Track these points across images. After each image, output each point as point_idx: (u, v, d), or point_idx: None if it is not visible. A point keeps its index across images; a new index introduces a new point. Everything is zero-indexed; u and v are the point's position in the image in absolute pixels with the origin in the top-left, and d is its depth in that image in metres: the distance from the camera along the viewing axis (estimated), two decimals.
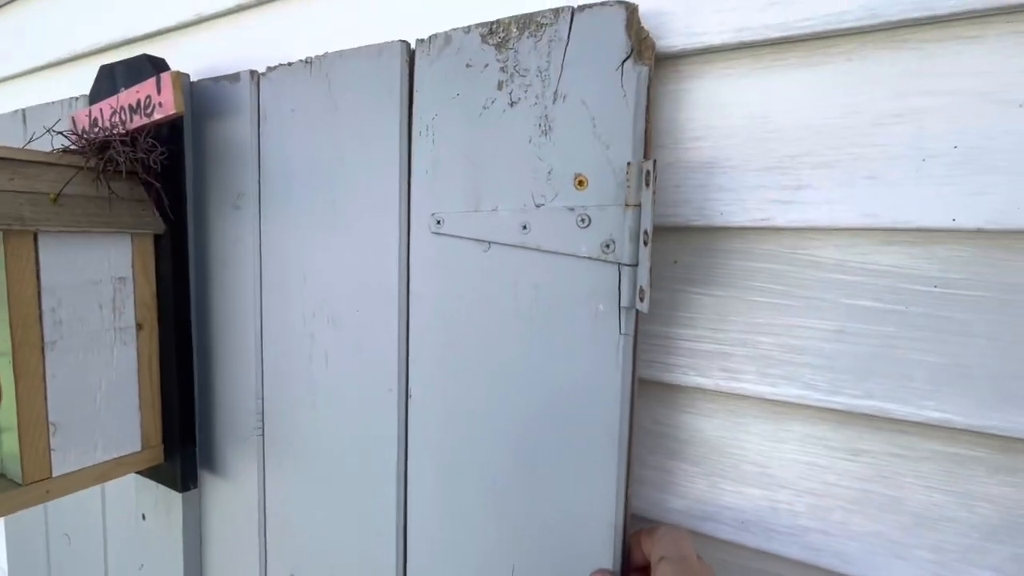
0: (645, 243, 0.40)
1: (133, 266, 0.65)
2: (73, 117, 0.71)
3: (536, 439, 0.48)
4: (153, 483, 0.75)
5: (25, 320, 0.56)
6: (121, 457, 0.65)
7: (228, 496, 0.71)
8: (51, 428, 0.59)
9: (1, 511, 0.57)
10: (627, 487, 0.45)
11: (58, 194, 0.58)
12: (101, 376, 0.63)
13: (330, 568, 0.62)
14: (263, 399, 0.66)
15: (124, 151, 0.60)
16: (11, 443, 0.58)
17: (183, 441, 0.69)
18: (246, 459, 0.68)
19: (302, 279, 0.61)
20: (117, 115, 0.65)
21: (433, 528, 0.54)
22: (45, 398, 0.58)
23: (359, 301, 0.57)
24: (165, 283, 0.66)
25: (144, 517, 0.78)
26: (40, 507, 1.02)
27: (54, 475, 0.59)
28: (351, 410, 0.59)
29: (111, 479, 0.65)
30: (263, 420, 0.67)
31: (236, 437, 0.69)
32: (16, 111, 0.91)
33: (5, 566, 1.23)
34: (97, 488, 0.89)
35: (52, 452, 0.59)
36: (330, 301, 0.59)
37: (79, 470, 0.61)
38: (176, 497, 0.73)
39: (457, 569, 0.53)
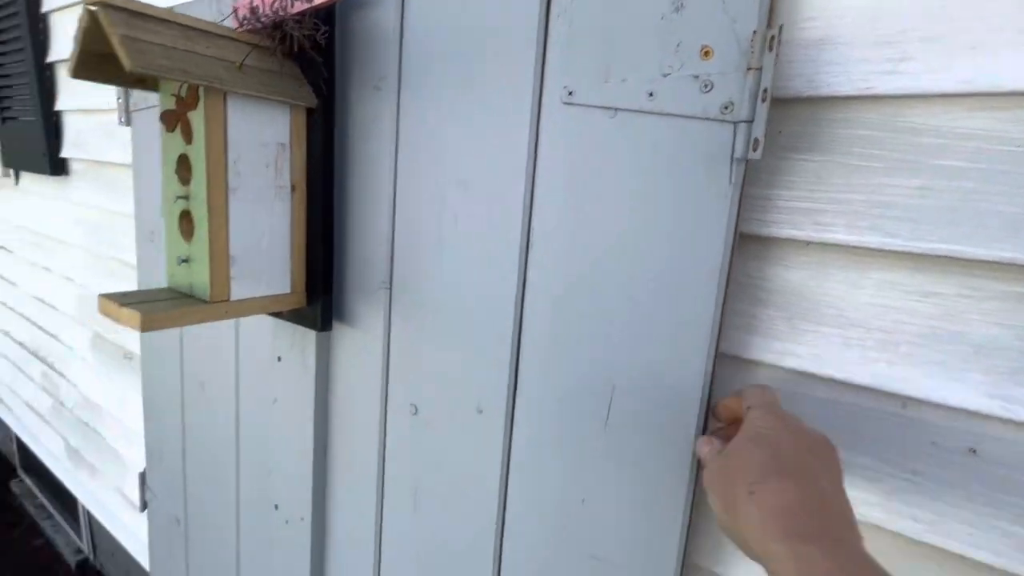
0: (763, 100, 0.48)
1: (291, 134, 0.76)
2: (235, 7, 0.81)
3: (643, 280, 0.57)
4: (290, 328, 0.89)
5: (217, 168, 0.69)
6: (275, 295, 0.79)
7: (356, 342, 0.84)
8: (231, 260, 0.72)
9: (193, 321, 0.71)
10: (719, 327, 0.54)
11: (242, 63, 0.69)
12: (264, 225, 0.75)
13: (447, 399, 0.74)
14: (393, 256, 0.78)
15: (297, 28, 0.70)
16: (201, 271, 0.71)
17: (322, 290, 0.81)
18: (374, 309, 0.81)
19: (437, 150, 0.71)
20: (278, 2, 0.75)
21: (543, 351, 0.65)
22: (228, 235, 0.71)
23: (490, 167, 0.66)
24: (314, 151, 0.77)
25: (279, 359, 0.93)
26: (176, 359, 1.19)
27: (231, 299, 0.73)
28: (476, 265, 0.69)
29: (267, 311, 0.78)
30: (391, 275, 0.78)
31: (366, 290, 0.81)
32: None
33: (141, 415, 1.44)
34: (231, 339, 1.04)
35: (231, 280, 0.72)
36: (462, 168, 0.69)
37: (247, 298, 0.75)
38: (311, 340, 0.86)
39: (564, 382, 0.63)
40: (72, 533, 2.54)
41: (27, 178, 1.90)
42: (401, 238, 0.76)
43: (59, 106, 1.61)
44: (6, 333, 2.34)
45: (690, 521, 0.59)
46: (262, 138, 0.73)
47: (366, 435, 0.85)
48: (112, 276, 1.59)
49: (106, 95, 1.43)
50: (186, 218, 0.72)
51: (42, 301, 1.99)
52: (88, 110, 1.52)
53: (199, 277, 0.71)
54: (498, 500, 0.71)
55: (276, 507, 0.98)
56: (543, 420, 0.66)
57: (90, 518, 2.38)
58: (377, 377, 0.82)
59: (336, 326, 0.86)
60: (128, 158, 1.41)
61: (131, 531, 1.80)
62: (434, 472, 0.78)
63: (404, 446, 0.81)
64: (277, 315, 0.88)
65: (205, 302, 0.71)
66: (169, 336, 1.20)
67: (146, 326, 0.65)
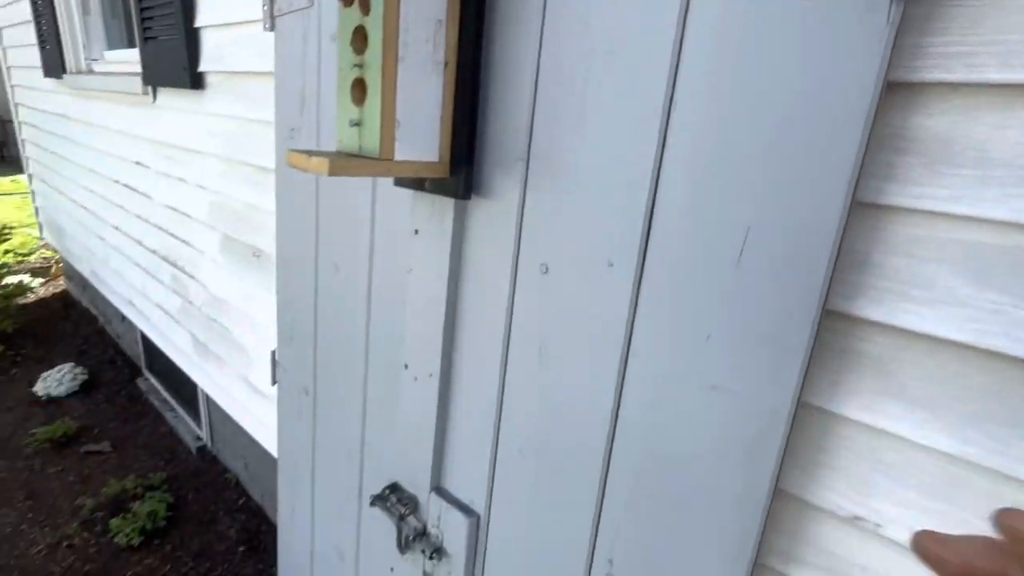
0: None
1: (447, 12, 0.84)
2: None
3: (786, 129, 0.62)
4: (428, 202, 1.00)
5: (391, 37, 0.78)
6: (426, 162, 0.88)
7: (490, 211, 0.93)
8: (396, 124, 0.82)
9: (364, 172, 0.82)
10: (858, 175, 0.59)
11: None
12: (422, 95, 0.85)
13: (578, 256, 0.83)
14: (532, 130, 0.85)
15: None
16: (371, 132, 0.81)
17: (465, 160, 0.91)
18: (510, 181, 0.89)
19: (582, 23, 0.77)
20: None
21: (679, 202, 0.71)
22: (395, 100, 0.81)
23: (637, 34, 0.72)
24: (467, 29, 0.85)
25: (416, 232, 1.04)
26: (312, 246, 1.34)
27: (394, 159, 0.83)
28: (616, 132, 0.76)
29: (418, 175, 0.89)
30: (529, 148, 0.86)
31: (503, 163, 0.90)
32: None
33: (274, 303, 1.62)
34: (367, 221, 1.16)
35: (395, 141, 0.83)
36: (608, 38, 0.75)
37: (405, 160, 0.85)
38: (448, 211, 0.97)
39: (698, 229, 0.70)
40: (192, 423, 2.89)
41: (164, 95, 2.10)
42: (542, 112, 0.84)
43: (199, 23, 1.77)
44: (139, 242, 2.63)
45: (811, 357, 0.65)
46: (426, 13, 0.81)
47: (495, 296, 0.95)
48: (246, 181, 1.76)
49: (244, 9, 1.56)
50: (358, 86, 0.82)
51: (175, 210, 2.23)
52: (226, 24, 1.66)
53: (369, 137, 0.82)
54: (622, 345, 0.80)
55: (406, 366, 1.12)
56: (673, 267, 0.73)
57: (209, 409, 2.69)
58: (509, 242, 0.91)
59: (472, 198, 0.95)
60: (264, 66, 1.54)
61: (253, 414, 2.04)
62: (560, 326, 0.87)
63: (532, 304, 0.90)
64: (419, 188, 0.98)
65: (374, 159, 0.81)
66: (304, 225, 1.35)
67: (332, 171, 0.77)
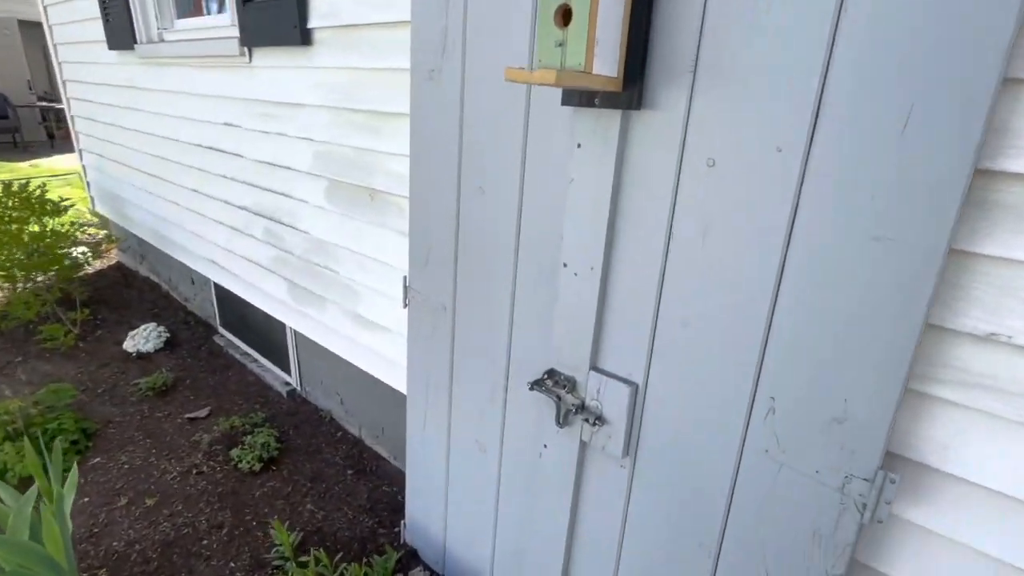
0: None
1: None
2: None
3: (944, 4, 0.79)
4: (592, 117, 1.17)
5: None
6: (608, 76, 1.06)
7: (655, 120, 1.11)
8: (596, 42, 0.99)
9: (577, 83, 0.99)
10: (1008, 54, 0.76)
11: None
12: (609, 18, 1.02)
13: (745, 147, 1.01)
14: (700, 44, 1.02)
15: None
16: (577, 50, 0.98)
17: (639, 75, 1.08)
18: (677, 91, 1.07)
19: None
20: None
21: (848, 83, 0.89)
22: (596, 23, 0.98)
23: None
24: None
25: (579, 145, 1.22)
26: (454, 172, 1.51)
27: (592, 72, 1.01)
28: (787, 36, 0.93)
29: (604, 88, 1.06)
30: (697, 60, 1.03)
31: (671, 74, 1.07)
32: None
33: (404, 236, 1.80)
34: (518, 143, 1.34)
35: (595, 58, 1.00)
36: None
37: (598, 74, 1.02)
38: (614, 124, 1.14)
39: (865, 106, 0.88)
40: (278, 370, 3.10)
41: (261, 55, 2.25)
42: (711, 27, 1.01)
43: None
44: (225, 201, 2.80)
45: (963, 201, 0.84)
46: None
47: (659, 193, 1.13)
48: (359, 128, 1.93)
49: None
50: (560, 12, 0.99)
51: (272, 164, 2.39)
52: None
53: (574, 55, 0.99)
54: (788, 218, 0.99)
55: (564, 265, 1.31)
56: (840, 143, 0.91)
57: (298, 354, 2.90)
58: (674, 145, 1.09)
59: (633, 112, 1.13)
60: (385, 17, 1.69)
61: (361, 345, 2.25)
62: (725, 210, 1.06)
63: (697, 195, 1.09)
64: (588, 105, 1.16)
65: (579, 71, 0.99)
66: (445, 158, 1.52)
67: (559, 81, 0.95)
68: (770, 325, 1.05)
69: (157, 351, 3.31)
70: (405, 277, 1.77)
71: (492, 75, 1.37)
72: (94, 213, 4.64)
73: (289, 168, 2.31)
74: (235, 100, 2.49)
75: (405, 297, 1.79)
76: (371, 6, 1.74)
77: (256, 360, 3.27)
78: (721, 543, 1.21)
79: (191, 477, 2.35)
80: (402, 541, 2.08)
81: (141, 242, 4.13)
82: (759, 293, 1.05)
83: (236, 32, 2.32)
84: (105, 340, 3.45)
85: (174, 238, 3.47)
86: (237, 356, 3.32)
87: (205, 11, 2.89)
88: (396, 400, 2.29)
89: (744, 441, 1.12)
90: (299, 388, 2.99)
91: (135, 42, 3.03)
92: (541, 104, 1.29)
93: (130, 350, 3.27)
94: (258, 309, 3.14)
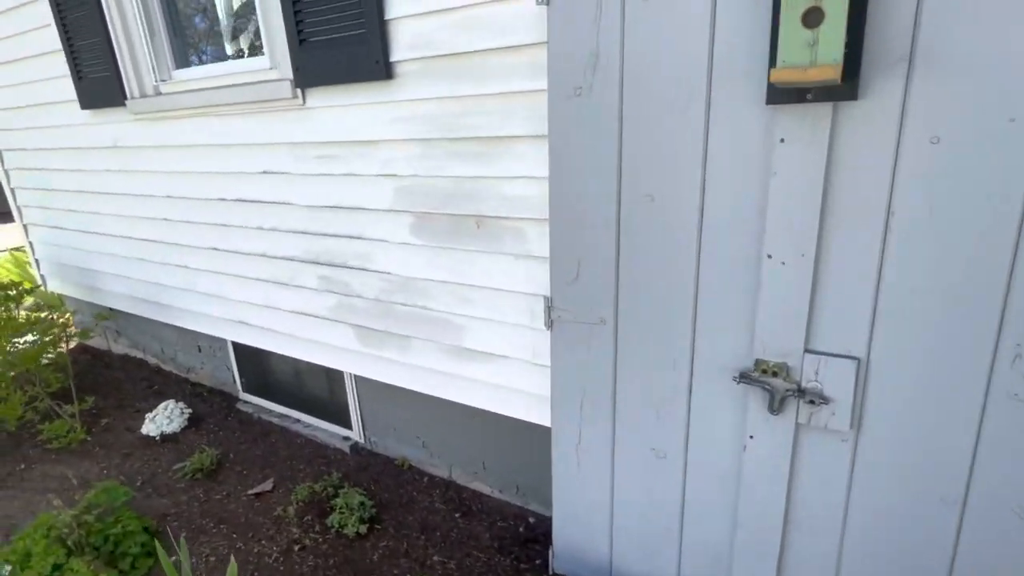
0: None
1: None
2: None
3: None
4: (797, 112, 1.24)
5: None
6: (832, 68, 1.13)
7: (867, 109, 1.19)
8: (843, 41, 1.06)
9: (824, 78, 1.05)
10: None
11: None
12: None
13: (975, 119, 1.11)
14: (916, 30, 1.12)
15: None
16: (831, 47, 1.05)
17: (856, 67, 1.16)
18: (891, 79, 1.16)
19: None
20: None
21: None
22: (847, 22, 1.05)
23: None
24: None
25: (782, 140, 1.28)
26: (613, 184, 1.53)
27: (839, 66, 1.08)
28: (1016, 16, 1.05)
29: (824, 81, 1.13)
30: (913, 46, 1.13)
31: (886, 63, 1.16)
32: None
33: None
34: (698, 151, 1.39)
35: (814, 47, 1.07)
36: None
37: (824, 66, 1.09)
38: (824, 116, 1.21)
39: None
40: (332, 426, 2.91)
41: (318, 95, 2.15)
42: (928, 14, 1.11)
43: (392, 15, 1.87)
44: (263, 255, 2.63)
45: None
46: None
47: (876, 177, 1.22)
48: (460, 156, 1.89)
49: None
50: (812, 12, 1.06)
51: (335, 207, 2.28)
52: (434, 11, 1.78)
53: (826, 52, 1.06)
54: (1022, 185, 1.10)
55: (769, 256, 1.36)
56: None
57: (360, 406, 2.75)
58: (892, 129, 1.18)
59: (841, 105, 1.21)
60: (498, 42, 1.69)
61: (465, 378, 2.18)
62: (951, 186, 1.16)
63: (919, 172, 1.18)
64: (799, 100, 1.22)
65: (831, 66, 1.06)
66: (599, 172, 1.54)
67: (836, 75, 1.01)
68: (1010, 281, 1.15)
69: (184, 429, 3.00)
70: (547, 298, 1.75)
71: (656, 86, 1.40)
72: (46, 293, 4.15)
73: (361, 209, 2.21)
74: (279, 145, 2.35)
75: (548, 317, 1.76)
76: (477, 34, 1.73)
77: (299, 420, 3.05)
78: (967, 495, 1.29)
79: (294, 555, 2.16)
80: (551, 572, 2.02)
81: (120, 317, 3.74)
82: (996, 254, 1.15)
83: (283, 74, 2.20)
84: (116, 428, 3.08)
85: (177, 304, 3.18)
86: (274, 420, 3.08)
87: (200, 59, 2.72)
88: (507, 428, 2.23)
89: (988, 390, 1.22)
90: (363, 440, 2.82)
91: (125, 98, 2.79)
92: (726, 107, 1.34)
93: (152, 434, 2.94)
94: (299, 365, 2.95)
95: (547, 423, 1.99)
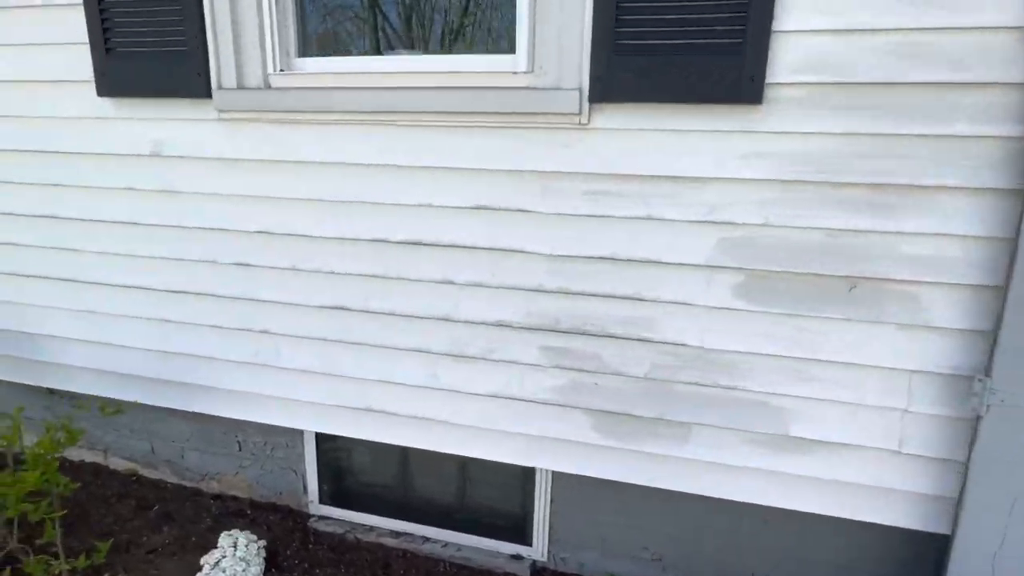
0: None
1: None
2: None
3: None
4: None
5: None
6: None
7: None
8: None
9: None
10: None
11: None
12: None
13: None
14: None
15: None
16: None
17: None
18: None
19: None
20: None
21: None
22: None
23: None
24: None
25: None
26: None
27: None
28: None
29: None
30: None
31: None
32: None
33: None
34: None
35: None
36: None
37: None
38: None
39: None
40: (490, 542, 2.20)
41: (617, 115, 1.64)
42: None
43: (780, 26, 1.49)
44: (444, 318, 1.93)
45: None
46: None
47: None
48: (838, 204, 1.55)
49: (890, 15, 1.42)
50: None
51: (606, 259, 1.75)
52: (849, 30, 1.46)
53: None
54: None
55: None
56: None
57: (551, 512, 2.12)
58: None
59: None
60: (931, 76, 1.44)
61: (778, 473, 1.76)
62: None
63: None
64: None
65: None
66: None
67: None
68: None
69: (264, 574, 2.03)
70: (980, 380, 1.47)
71: None
72: None
73: (652, 262, 1.72)
74: (520, 174, 1.76)
75: (981, 401, 1.48)
76: (912, 63, 1.45)
77: (430, 539, 2.26)
78: None
79: None
80: None
81: (75, 403, 2.50)
82: None
83: (557, 83, 1.65)
84: None
85: (226, 385, 2.21)
86: (387, 542, 2.25)
87: (346, 48, 2.00)
88: (811, 531, 1.85)
89: None
90: (545, 558, 2.16)
91: (213, 88, 1.91)
92: None
93: None
94: (440, 467, 2.23)
95: (918, 526, 1.68)
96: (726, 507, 1.90)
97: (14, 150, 2.21)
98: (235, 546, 2.01)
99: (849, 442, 1.69)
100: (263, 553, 2.07)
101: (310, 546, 2.23)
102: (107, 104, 2.05)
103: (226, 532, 2.08)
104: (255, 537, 2.10)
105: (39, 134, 2.16)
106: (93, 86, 2.02)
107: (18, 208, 2.27)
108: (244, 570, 1.96)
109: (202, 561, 1.98)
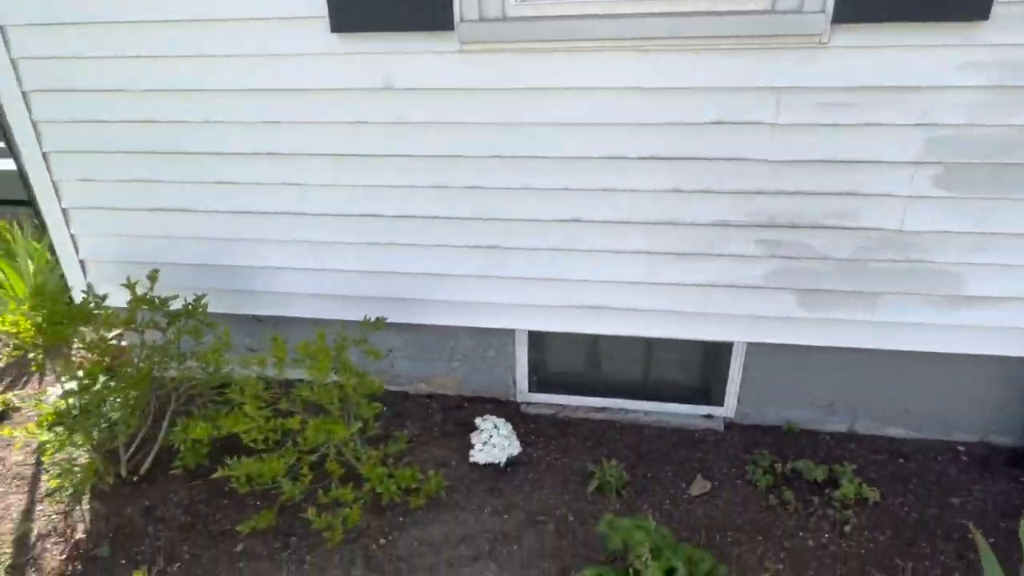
0: None
1: None
2: None
3: None
4: None
5: None
6: None
7: None
8: None
9: None
10: None
11: None
12: None
13: None
14: None
15: None
16: None
17: None
18: None
19: None
20: None
21: None
22: None
23: None
24: None
25: None
26: None
27: None
28: None
29: None
30: None
31: None
32: None
33: None
34: None
35: None
36: None
37: None
38: None
39: None
40: (683, 406, 2.66)
41: (852, 34, 1.89)
42: None
43: None
44: (669, 222, 2.23)
45: None
46: None
47: None
48: None
49: None
50: None
51: (825, 162, 2.06)
52: None
53: None
54: None
55: None
56: None
57: (743, 377, 2.57)
58: None
59: None
60: None
61: (951, 327, 2.23)
62: None
63: None
64: None
65: None
66: None
67: None
68: None
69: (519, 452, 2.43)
70: None
71: None
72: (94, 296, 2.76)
73: (865, 162, 2.05)
74: (756, 91, 2.01)
75: None
76: None
77: (629, 410, 2.70)
78: None
79: (842, 536, 2.03)
80: None
81: (281, 326, 2.74)
82: None
83: (803, 5, 1.88)
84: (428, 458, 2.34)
85: (456, 297, 2.50)
86: (593, 416, 2.68)
87: None
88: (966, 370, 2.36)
89: None
90: (733, 415, 2.65)
91: (455, 20, 2.03)
92: None
93: (494, 460, 2.33)
94: (636, 349, 2.62)
95: None
96: (889, 357, 2.38)
97: (243, 89, 2.28)
98: (496, 426, 2.39)
99: (1011, 295, 2.16)
100: (511, 429, 2.46)
101: (531, 425, 2.64)
102: (339, 40, 2.13)
103: (480, 417, 2.45)
104: (503, 420, 2.49)
105: (267, 72, 2.23)
106: (327, 22, 2.09)
107: (244, 147, 2.37)
108: (509, 444, 2.36)
109: (473, 439, 2.36)
